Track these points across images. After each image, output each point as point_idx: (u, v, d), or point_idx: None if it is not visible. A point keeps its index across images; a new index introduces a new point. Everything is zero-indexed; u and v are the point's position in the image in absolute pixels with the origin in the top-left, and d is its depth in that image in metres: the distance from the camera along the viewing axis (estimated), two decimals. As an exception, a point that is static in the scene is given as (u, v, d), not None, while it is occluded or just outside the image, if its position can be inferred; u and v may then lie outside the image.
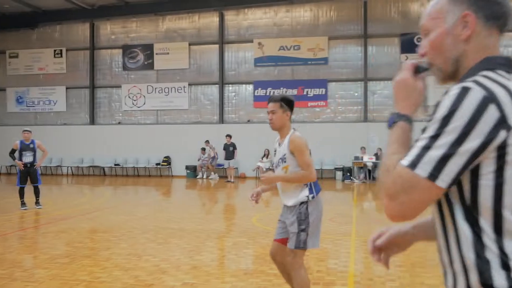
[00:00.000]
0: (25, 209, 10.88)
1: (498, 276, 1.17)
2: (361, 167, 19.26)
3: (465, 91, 1.17)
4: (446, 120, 1.17)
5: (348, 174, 19.45)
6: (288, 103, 4.18)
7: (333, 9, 20.93)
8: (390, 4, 20.48)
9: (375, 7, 20.56)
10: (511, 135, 1.14)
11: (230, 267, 6.17)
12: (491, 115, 1.14)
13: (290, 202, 4.03)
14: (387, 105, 20.34)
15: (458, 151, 1.15)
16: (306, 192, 3.94)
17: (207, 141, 20.27)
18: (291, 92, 20.94)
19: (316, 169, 18.48)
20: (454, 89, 1.20)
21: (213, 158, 20.43)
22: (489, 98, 1.15)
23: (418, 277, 5.45)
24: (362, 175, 19.12)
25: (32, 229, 9.01)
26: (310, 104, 20.98)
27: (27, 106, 24.30)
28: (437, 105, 1.22)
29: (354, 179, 19.07)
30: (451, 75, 1.38)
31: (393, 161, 1.26)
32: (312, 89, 20.91)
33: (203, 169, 20.75)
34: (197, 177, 20.85)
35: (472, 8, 1.31)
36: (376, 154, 19.14)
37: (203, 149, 20.59)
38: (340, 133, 20.12)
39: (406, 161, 1.20)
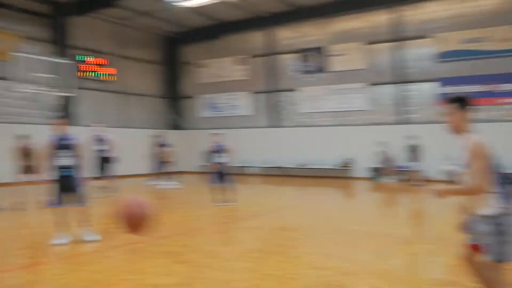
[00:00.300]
0: (220, 205, 11.86)
1: None
2: None
3: None
4: None
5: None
6: (464, 103, 3.86)
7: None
8: None
9: None
10: None
11: (422, 275, 5.94)
12: None
13: (483, 211, 3.70)
14: None
15: None
16: (499, 201, 3.60)
17: (380, 143, 19.78)
18: (478, 89, 19.34)
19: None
20: None
21: (388, 160, 19.86)
22: None
23: None
24: None
25: (227, 223, 9.74)
26: (500, 101, 19.11)
27: (216, 111, 26.40)
28: None
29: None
30: None
31: None
32: (503, 84, 19.01)
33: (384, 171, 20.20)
34: (380, 179, 20.32)
35: None
36: None
37: (383, 151, 20.05)
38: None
39: None
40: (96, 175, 13.71)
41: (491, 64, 19.29)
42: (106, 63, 23.55)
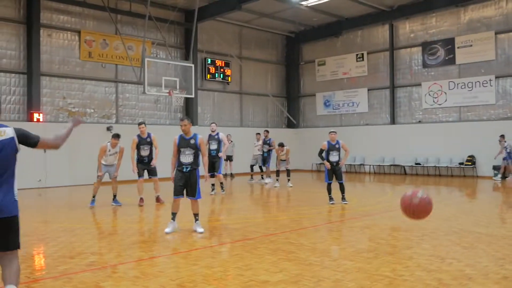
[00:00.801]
0: (332, 203, 11.80)
1: None
2: None
3: None
4: None
5: None
6: None
7: None
8: None
9: None
10: None
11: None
12: None
13: None
14: None
15: None
16: None
17: (502, 136, 18.33)
18: None
19: None
20: None
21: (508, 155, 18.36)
22: None
23: None
24: None
25: (339, 222, 9.69)
26: None
27: (333, 109, 26.28)
28: None
29: None
30: None
31: None
32: None
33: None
34: (506, 178, 18.94)
35: None
36: None
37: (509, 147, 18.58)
38: None
39: None
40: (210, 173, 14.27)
41: None
42: (224, 64, 24.48)
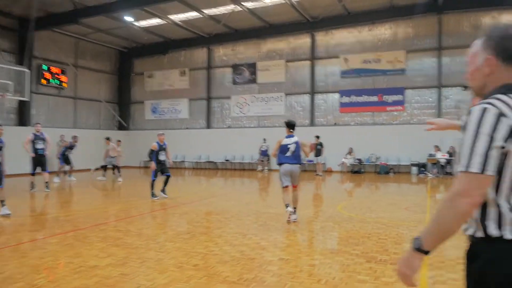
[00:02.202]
0: (155, 199, 10.90)
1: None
2: (435, 163, 18.10)
3: (483, 110, 1.51)
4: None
5: (423, 169, 18.39)
6: None
7: (410, 26, 19.89)
8: (463, 18, 18.99)
9: (449, 22, 19.19)
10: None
11: (318, 246, 6.06)
12: (503, 123, 1.48)
13: None
14: (459, 108, 18.97)
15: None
16: None
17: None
18: (373, 99, 20.27)
19: (394, 165, 17.68)
20: (476, 109, 1.54)
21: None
22: (499, 112, 1.49)
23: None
24: (435, 170, 17.97)
25: (162, 210, 9.52)
26: (388, 108, 20.13)
27: (159, 115, 25.86)
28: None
29: (428, 173, 17.99)
30: (479, 94, 1.72)
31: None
32: (391, 96, 20.03)
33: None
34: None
35: (494, 53, 1.62)
36: (449, 152, 17.93)
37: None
38: (416, 133, 19.04)
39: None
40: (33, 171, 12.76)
41: (382, 80, 20.30)
42: (60, 72, 22.34)
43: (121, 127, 26.32)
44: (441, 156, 17.85)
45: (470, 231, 1.63)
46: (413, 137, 19.03)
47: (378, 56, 20.21)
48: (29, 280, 4.59)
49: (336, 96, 21.24)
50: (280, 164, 7.75)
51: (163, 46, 24.74)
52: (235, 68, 23.60)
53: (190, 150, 23.93)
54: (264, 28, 21.84)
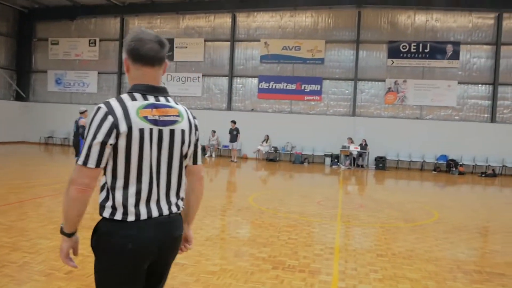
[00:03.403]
0: None
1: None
2: (347, 155, 18.44)
3: (97, 108, 1.76)
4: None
5: (336, 160, 18.66)
6: None
7: (331, 16, 19.90)
8: (381, 14, 19.43)
9: (368, 17, 19.52)
10: (120, 133, 1.74)
11: (222, 247, 5.33)
12: (106, 118, 1.74)
13: None
14: (373, 102, 19.51)
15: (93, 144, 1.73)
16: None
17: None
18: (291, 87, 20.09)
19: (308, 155, 17.72)
20: (94, 108, 1.78)
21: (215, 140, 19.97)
22: (109, 110, 1.75)
23: (400, 269, 4.69)
24: (347, 162, 18.31)
25: (52, 196, 8.22)
26: (306, 98, 20.10)
27: (64, 87, 23.46)
28: None
29: (341, 165, 18.28)
30: None
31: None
32: (309, 85, 20.00)
33: (211, 148, 20.00)
34: (205, 155, 20.10)
35: (126, 55, 1.88)
36: (361, 145, 18.36)
37: (214, 132, 19.85)
38: (331, 125, 19.34)
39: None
40: None
41: (301, 68, 20.18)
42: None
43: (18, 98, 23.50)
44: (354, 149, 18.21)
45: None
46: (328, 128, 19.26)
47: (298, 43, 20.01)
48: None
49: (255, 81, 20.74)
50: None
51: (71, 10, 22.34)
52: (151, 43, 22.05)
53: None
54: (183, 2, 20.61)
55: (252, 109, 20.71)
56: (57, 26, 23.43)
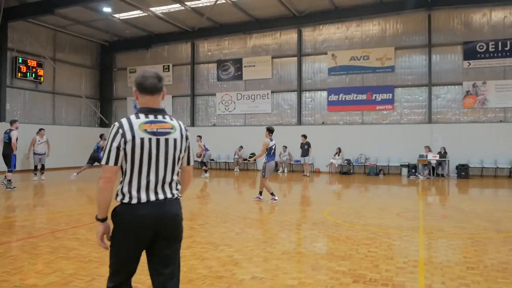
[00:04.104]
0: None
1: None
2: (425, 164, 17.49)
3: (113, 125, 2.50)
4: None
5: (413, 170, 17.77)
6: None
7: (399, 22, 19.28)
8: (453, 15, 18.46)
9: (439, 19, 18.63)
10: (127, 141, 2.45)
11: (299, 261, 5.22)
12: (118, 131, 2.46)
13: None
14: (450, 107, 18.42)
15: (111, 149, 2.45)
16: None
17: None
18: (361, 97, 19.63)
19: (383, 166, 17.03)
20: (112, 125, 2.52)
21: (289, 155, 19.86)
22: (120, 125, 2.47)
23: (495, 283, 4.28)
24: (426, 172, 17.35)
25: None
26: (378, 107, 19.50)
27: (142, 112, 24.91)
28: None
29: (419, 175, 17.36)
30: None
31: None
32: (380, 94, 19.40)
33: (283, 164, 20.01)
34: (278, 171, 20.14)
35: (135, 88, 2.60)
36: (440, 153, 17.34)
37: (285, 147, 19.86)
38: (406, 134, 18.53)
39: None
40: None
41: (371, 78, 19.66)
42: (37, 65, 21.36)
43: (102, 124, 25.34)
44: (432, 157, 17.26)
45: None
46: (403, 137, 18.48)
47: (367, 52, 19.58)
48: None
49: (324, 94, 20.56)
50: (269, 161, 10.10)
51: (146, 40, 23.83)
52: (220, 64, 22.79)
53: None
54: (249, 22, 21.09)
55: (323, 122, 20.49)
56: (134, 55, 25.08)
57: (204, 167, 18.00)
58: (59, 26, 21.78)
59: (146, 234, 2.51)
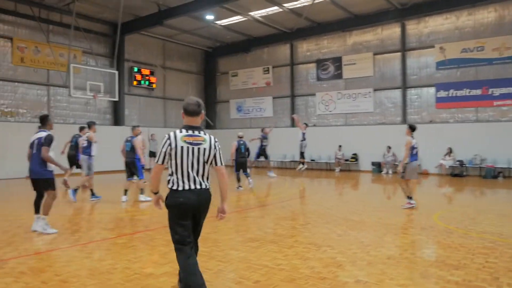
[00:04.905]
0: (239, 188, 12.71)
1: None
2: (555, 166, 15.46)
3: (165, 135, 3.76)
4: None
5: (540, 172, 15.83)
6: None
7: (520, 7, 17.32)
8: None
9: None
10: (172, 148, 3.68)
11: (407, 267, 4.95)
12: (167, 141, 3.71)
13: None
14: None
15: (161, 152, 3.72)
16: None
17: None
18: (475, 92, 18.02)
19: (503, 168, 15.38)
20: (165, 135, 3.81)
21: (392, 155, 18.85)
22: (168, 137, 3.72)
23: None
24: (556, 174, 15.35)
25: (235, 213, 8.98)
26: (495, 103, 17.70)
27: (244, 114, 25.77)
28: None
29: (547, 177, 15.42)
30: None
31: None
32: (498, 88, 17.58)
33: (387, 165, 19.20)
34: (381, 172, 19.40)
35: (182, 111, 3.78)
36: None
37: (389, 148, 19.05)
38: (530, 131, 16.56)
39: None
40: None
41: (487, 70, 17.95)
42: (150, 73, 23.28)
43: (208, 126, 26.71)
44: None
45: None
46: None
47: (481, 43, 17.90)
48: (81, 285, 4.31)
49: (432, 90, 19.25)
50: (411, 162, 9.24)
51: (245, 44, 24.58)
52: (320, 63, 22.61)
53: (274, 149, 23.18)
54: (349, 19, 20.57)
55: (431, 121, 19.23)
56: (235, 59, 26.03)
57: (301, 159, 17.31)
58: (167, 36, 23.47)
59: (184, 210, 3.69)
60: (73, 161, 12.53)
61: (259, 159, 16.35)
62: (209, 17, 20.13)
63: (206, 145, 3.75)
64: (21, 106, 18.14)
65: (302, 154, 16.29)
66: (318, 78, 22.69)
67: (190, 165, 3.68)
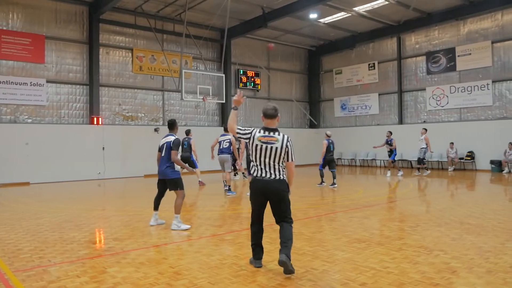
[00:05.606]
0: (321, 186, 13.43)
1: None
2: None
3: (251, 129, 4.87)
4: None
5: None
6: None
7: None
8: None
9: None
10: (249, 139, 4.76)
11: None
12: (251, 132, 4.78)
13: None
14: None
15: None
16: None
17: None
18: None
19: None
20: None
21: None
22: (253, 129, 4.79)
23: None
24: None
25: (341, 212, 8.84)
26: None
27: (348, 111, 25.23)
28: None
29: None
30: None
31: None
32: None
33: (508, 164, 17.33)
34: (503, 171, 17.57)
35: (262, 115, 4.78)
36: None
37: (511, 144, 17.20)
38: None
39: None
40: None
41: None
42: (255, 75, 23.96)
43: (311, 125, 26.71)
44: None
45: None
46: None
47: None
48: (192, 278, 4.61)
49: None
50: None
51: (350, 40, 24.02)
52: (430, 56, 21.19)
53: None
54: (462, 6, 18.94)
55: None
56: (339, 56, 25.60)
57: (421, 165, 17.44)
58: (271, 38, 23.94)
59: (264, 195, 4.68)
60: (188, 162, 13.51)
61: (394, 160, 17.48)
62: (313, 15, 20.10)
63: (278, 144, 4.62)
64: (139, 111, 19.95)
65: (422, 160, 17.58)
66: (428, 72, 21.30)
67: (264, 159, 4.64)
